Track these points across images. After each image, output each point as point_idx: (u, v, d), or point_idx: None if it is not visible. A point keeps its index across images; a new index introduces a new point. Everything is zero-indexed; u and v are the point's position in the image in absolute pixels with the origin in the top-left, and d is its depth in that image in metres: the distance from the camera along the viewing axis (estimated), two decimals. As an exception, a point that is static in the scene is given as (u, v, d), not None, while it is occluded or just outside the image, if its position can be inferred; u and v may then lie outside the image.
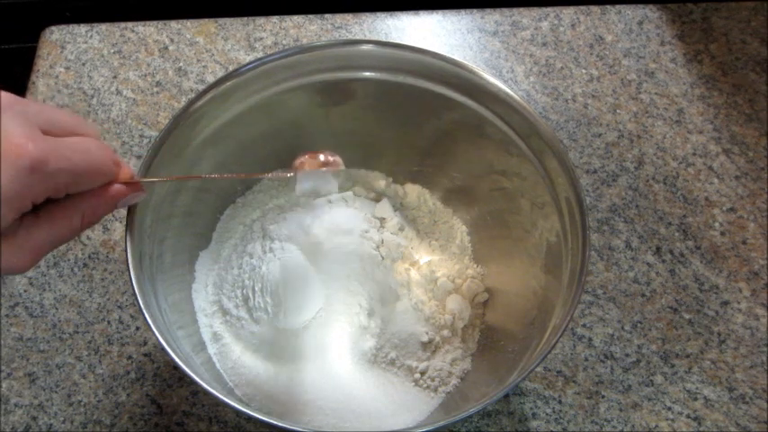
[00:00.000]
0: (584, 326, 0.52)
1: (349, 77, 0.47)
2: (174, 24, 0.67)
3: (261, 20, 0.68)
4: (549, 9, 0.69)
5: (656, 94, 0.64)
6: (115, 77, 0.64)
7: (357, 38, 0.66)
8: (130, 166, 0.35)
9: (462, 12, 0.68)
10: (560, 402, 0.49)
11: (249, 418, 0.48)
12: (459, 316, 0.48)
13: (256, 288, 0.46)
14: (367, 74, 0.47)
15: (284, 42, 0.66)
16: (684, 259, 0.55)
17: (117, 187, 0.34)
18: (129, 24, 0.67)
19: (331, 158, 0.38)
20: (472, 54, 0.66)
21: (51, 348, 0.51)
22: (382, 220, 0.51)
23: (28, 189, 0.28)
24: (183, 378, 0.50)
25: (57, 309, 0.52)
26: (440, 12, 0.68)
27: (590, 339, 0.52)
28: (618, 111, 0.63)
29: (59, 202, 0.31)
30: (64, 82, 0.63)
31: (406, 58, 0.45)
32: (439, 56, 0.45)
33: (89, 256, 0.55)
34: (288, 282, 0.46)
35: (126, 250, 0.38)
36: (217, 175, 0.41)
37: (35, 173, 0.28)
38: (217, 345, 0.47)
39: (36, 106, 0.31)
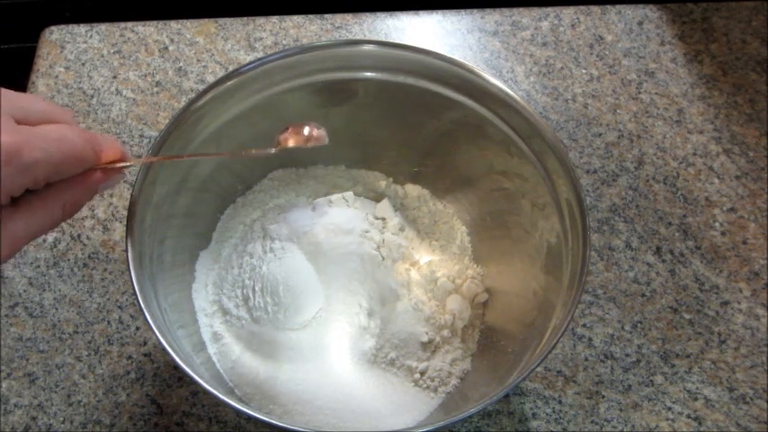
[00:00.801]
0: (584, 326, 0.52)
1: (349, 77, 0.47)
2: (174, 24, 0.67)
3: (261, 20, 0.67)
4: (549, 9, 0.69)
5: (656, 94, 0.64)
6: (115, 77, 0.64)
7: (357, 38, 0.66)
8: (118, 144, 0.33)
9: (462, 12, 0.68)
10: (560, 402, 0.49)
11: (249, 418, 0.48)
12: (459, 316, 0.48)
13: (256, 288, 0.46)
14: (367, 74, 0.47)
15: (284, 42, 0.66)
16: (684, 259, 0.55)
17: (98, 174, 0.32)
18: (129, 24, 0.67)
19: (315, 132, 0.37)
20: (472, 54, 0.66)
21: (51, 348, 0.51)
22: (383, 220, 0.51)
23: (3, 183, 0.27)
24: (183, 378, 0.50)
25: (56, 309, 0.52)
26: (440, 12, 0.68)
27: (590, 339, 0.52)
28: (618, 111, 0.63)
29: (39, 192, 0.30)
30: (64, 82, 0.63)
31: (406, 58, 0.45)
32: (439, 56, 0.45)
33: (89, 256, 0.55)
34: (288, 282, 0.46)
35: (126, 250, 0.38)
36: (199, 155, 0.41)
37: (8, 165, 0.27)
38: (217, 344, 0.47)
39: (8, 95, 0.29)
